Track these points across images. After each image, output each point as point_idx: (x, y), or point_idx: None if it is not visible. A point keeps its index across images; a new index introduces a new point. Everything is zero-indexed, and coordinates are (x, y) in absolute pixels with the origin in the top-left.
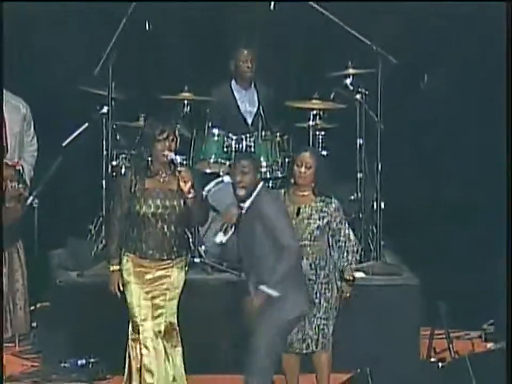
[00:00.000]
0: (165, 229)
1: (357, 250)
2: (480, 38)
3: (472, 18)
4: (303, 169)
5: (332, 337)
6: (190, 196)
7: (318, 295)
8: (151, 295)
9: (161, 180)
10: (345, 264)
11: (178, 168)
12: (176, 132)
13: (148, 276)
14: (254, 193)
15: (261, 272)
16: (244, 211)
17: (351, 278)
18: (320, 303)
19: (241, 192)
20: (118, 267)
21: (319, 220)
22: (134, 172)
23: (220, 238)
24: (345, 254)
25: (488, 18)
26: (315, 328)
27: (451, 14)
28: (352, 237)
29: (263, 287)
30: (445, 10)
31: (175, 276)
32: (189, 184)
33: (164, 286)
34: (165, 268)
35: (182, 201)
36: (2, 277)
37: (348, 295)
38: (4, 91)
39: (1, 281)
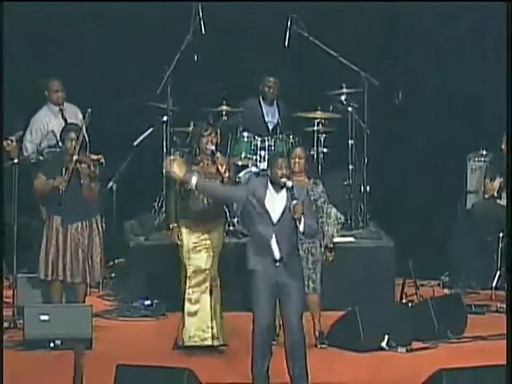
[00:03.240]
0: (205, 201)
1: (338, 223)
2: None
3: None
4: (297, 160)
5: (320, 283)
6: (226, 175)
7: (306, 251)
8: (197, 253)
9: (203, 166)
10: (326, 234)
11: (216, 155)
12: (217, 130)
13: (195, 236)
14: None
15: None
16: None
17: (331, 245)
18: (307, 257)
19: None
20: (176, 224)
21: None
22: (185, 161)
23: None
24: (326, 227)
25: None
26: (305, 276)
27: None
28: (332, 214)
29: None
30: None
31: (215, 237)
32: (225, 166)
33: (207, 244)
34: (206, 231)
35: (219, 181)
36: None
37: (331, 258)
38: (65, 103)
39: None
